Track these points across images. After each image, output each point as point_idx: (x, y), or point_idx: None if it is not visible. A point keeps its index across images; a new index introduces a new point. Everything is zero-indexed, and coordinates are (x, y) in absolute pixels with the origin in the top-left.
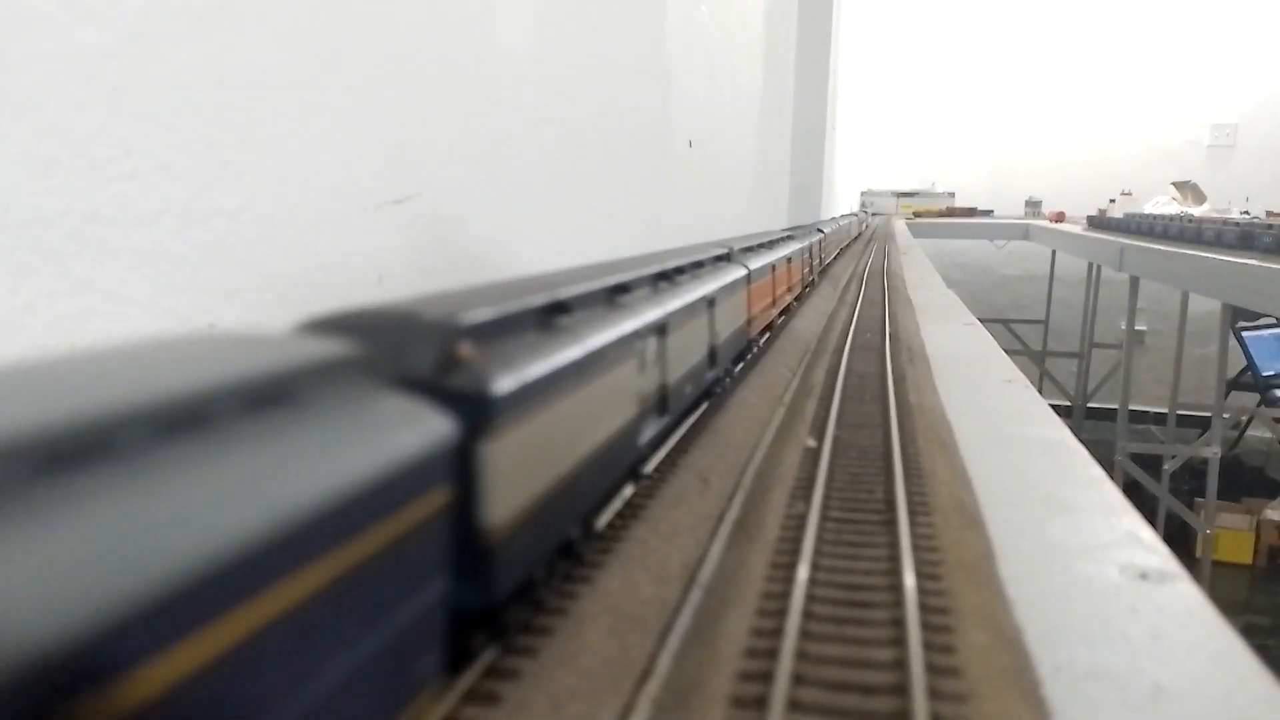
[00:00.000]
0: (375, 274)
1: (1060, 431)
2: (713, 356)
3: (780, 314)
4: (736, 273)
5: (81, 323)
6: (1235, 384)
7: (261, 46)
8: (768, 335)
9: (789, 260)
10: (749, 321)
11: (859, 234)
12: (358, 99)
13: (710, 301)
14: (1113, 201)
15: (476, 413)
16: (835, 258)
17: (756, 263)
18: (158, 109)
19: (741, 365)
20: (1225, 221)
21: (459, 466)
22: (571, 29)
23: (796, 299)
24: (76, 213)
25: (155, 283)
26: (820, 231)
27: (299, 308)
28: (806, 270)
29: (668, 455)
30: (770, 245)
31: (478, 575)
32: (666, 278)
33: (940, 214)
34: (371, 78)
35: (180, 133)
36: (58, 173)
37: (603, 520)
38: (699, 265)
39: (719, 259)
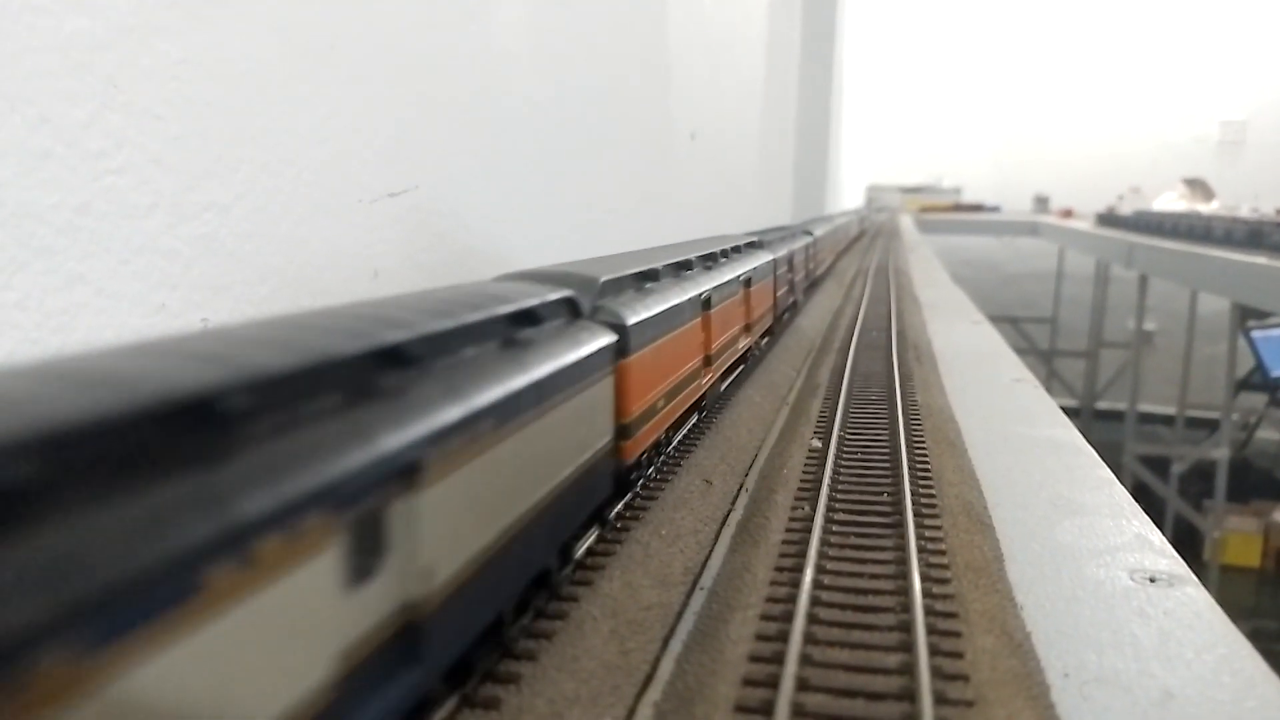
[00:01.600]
0: (370, 268)
1: (1069, 432)
2: (409, 642)
3: (729, 370)
4: (579, 348)
5: (72, 317)
6: (1244, 384)
7: (255, 38)
8: (695, 418)
9: (746, 284)
10: (621, 433)
11: (861, 232)
12: (352, 91)
13: (405, 470)
14: (1121, 198)
15: None
16: (834, 262)
17: (647, 311)
18: (150, 101)
19: (596, 532)
20: (1235, 219)
21: None
22: (570, 20)
23: (767, 333)
24: (68, 206)
25: (147, 277)
26: (809, 234)
27: (292, 303)
28: (785, 290)
29: (668, 456)
30: (705, 265)
31: None
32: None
33: (946, 209)
34: (366, 70)
35: (173, 125)
36: (49, 166)
37: None
38: (409, 359)
39: (522, 321)
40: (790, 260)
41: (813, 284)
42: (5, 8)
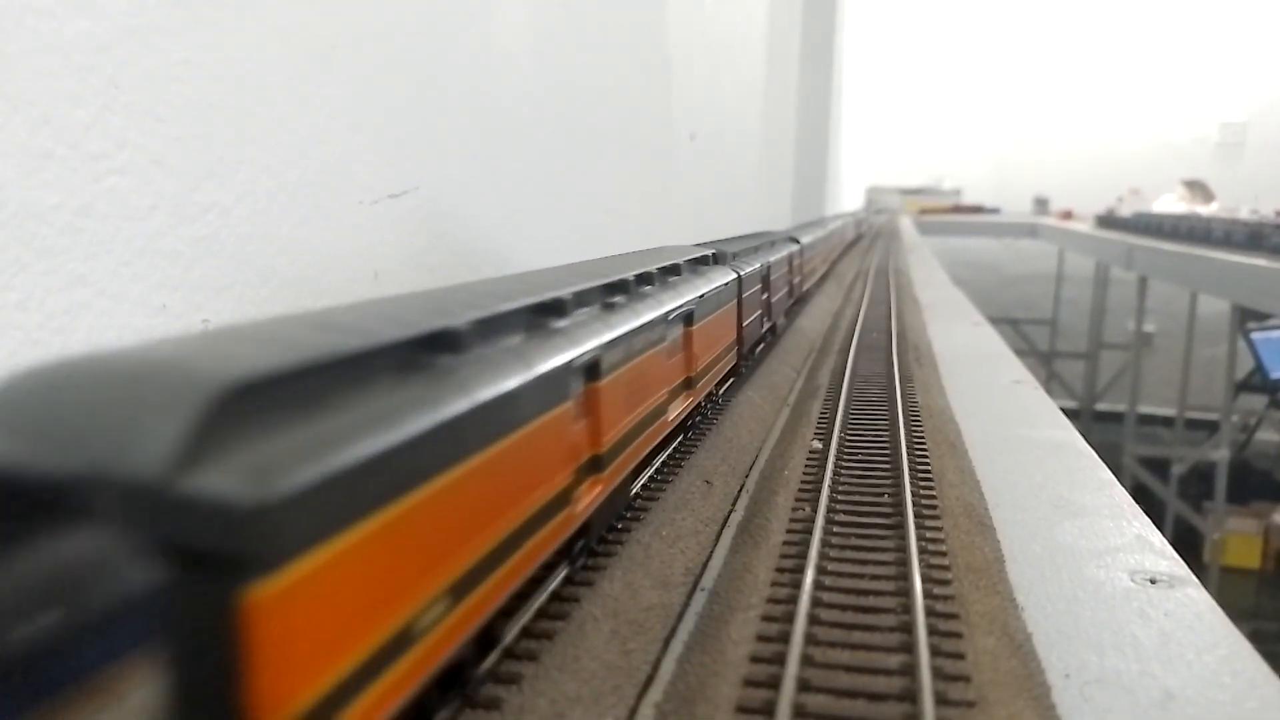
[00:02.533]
0: (371, 269)
1: (1069, 434)
2: None
3: (657, 451)
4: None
5: (74, 318)
6: (1244, 386)
7: (256, 40)
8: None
9: (686, 320)
10: None
11: (859, 236)
12: (353, 92)
13: None
14: (1120, 200)
15: None
16: (827, 272)
17: (358, 446)
18: (152, 103)
19: None
20: (1234, 221)
21: None
22: (569, 21)
23: (730, 374)
24: (70, 207)
25: (148, 278)
26: (794, 242)
27: (294, 303)
28: (756, 317)
29: (670, 456)
30: (603, 301)
31: None
32: None
33: (946, 211)
34: (368, 71)
35: (174, 126)
36: (51, 167)
37: None
38: None
39: None
40: (765, 277)
41: (800, 300)
42: (8, 9)
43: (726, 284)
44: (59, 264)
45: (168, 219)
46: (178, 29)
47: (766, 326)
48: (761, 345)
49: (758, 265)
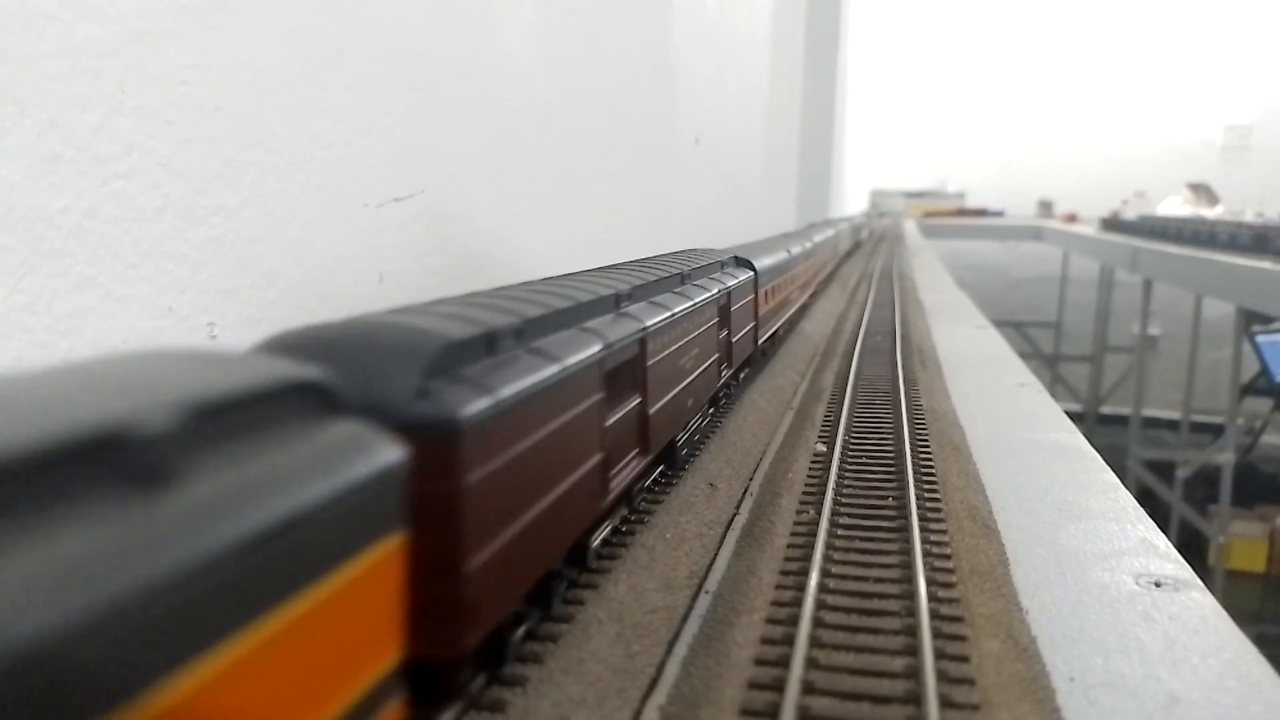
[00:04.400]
0: (376, 272)
1: (1074, 437)
2: None
3: None
4: None
5: (81, 320)
6: (1249, 389)
7: (263, 44)
8: None
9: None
10: None
11: (856, 244)
12: (359, 96)
13: None
14: (1125, 203)
15: None
16: (810, 300)
17: None
18: (159, 106)
19: None
20: (1239, 224)
21: None
22: (575, 25)
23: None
24: (77, 210)
25: (155, 281)
26: (745, 268)
27: (300, 306)
28: (588, 475)
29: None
30: None
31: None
32: None
33: (950, 214)
34: (373, 75)
35: (181, 130)
36: (59, 170)
37: None
38: None
39: None
40: (627, 365)
41: (751, 361)
42: (16, 14)
43: (373, 477)
44: (66, 266)
45: (175, 221)
46: (185, 33)
47: (670, 440)
48: (643, 488)
49: (586, 358)
